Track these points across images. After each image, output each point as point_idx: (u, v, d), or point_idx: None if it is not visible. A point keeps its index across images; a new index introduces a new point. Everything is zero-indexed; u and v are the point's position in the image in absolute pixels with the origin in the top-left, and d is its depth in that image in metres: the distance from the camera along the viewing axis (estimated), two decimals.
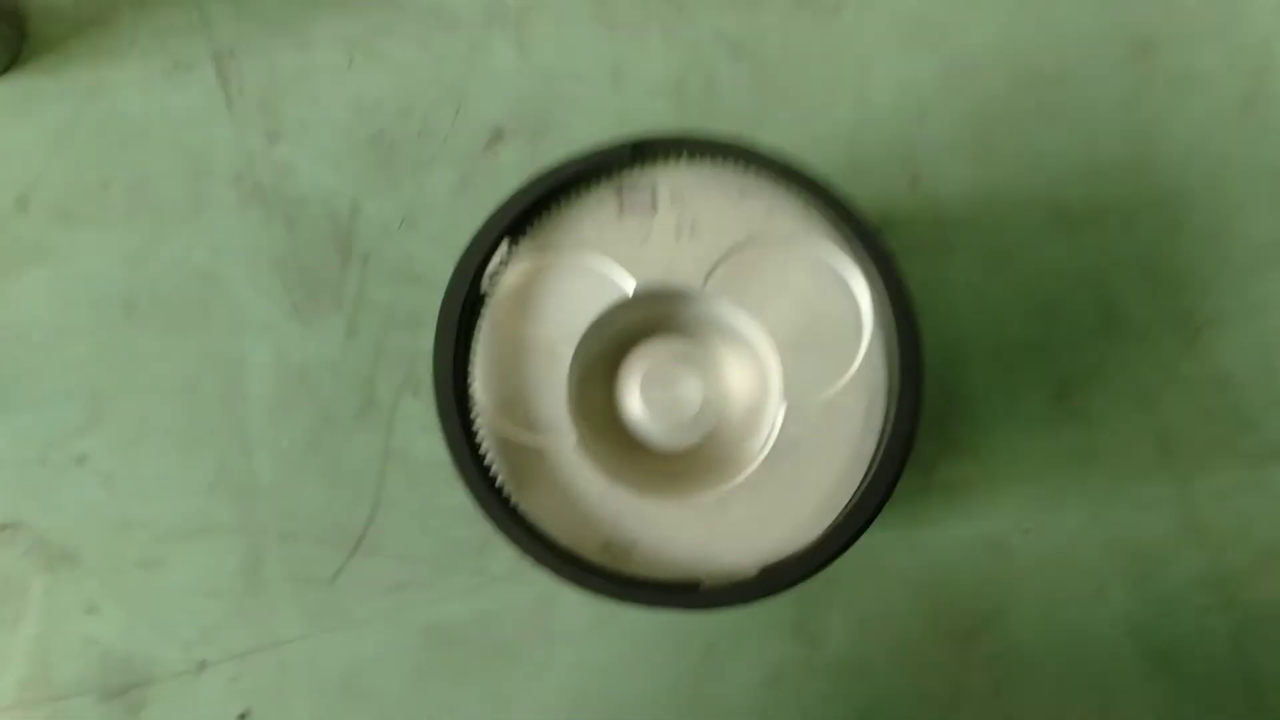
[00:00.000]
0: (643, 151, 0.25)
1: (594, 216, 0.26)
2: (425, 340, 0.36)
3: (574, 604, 0.36)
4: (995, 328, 0.38)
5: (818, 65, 0.39)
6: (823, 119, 0.39)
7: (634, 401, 0.27)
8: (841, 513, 0.25)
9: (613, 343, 0.27)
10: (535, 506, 0.25)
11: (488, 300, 0.25)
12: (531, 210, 0.25)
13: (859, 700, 0.36)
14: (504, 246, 0.25)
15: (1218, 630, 0.37)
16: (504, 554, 0.36)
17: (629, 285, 0.26)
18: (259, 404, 0.36)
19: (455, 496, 0.35)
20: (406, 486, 0.36)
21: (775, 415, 0.26)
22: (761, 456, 0.25)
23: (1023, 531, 0.37)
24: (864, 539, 0.36)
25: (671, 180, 0.26)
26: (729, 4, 0.39)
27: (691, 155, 0.26)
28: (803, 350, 0.26)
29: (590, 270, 0.26)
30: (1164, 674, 0.36)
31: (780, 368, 0.26)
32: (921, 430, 0.37)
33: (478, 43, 0.38)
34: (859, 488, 0.25)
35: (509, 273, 0.25)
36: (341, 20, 0.38)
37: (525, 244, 0.26)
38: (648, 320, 0.27)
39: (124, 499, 0.36)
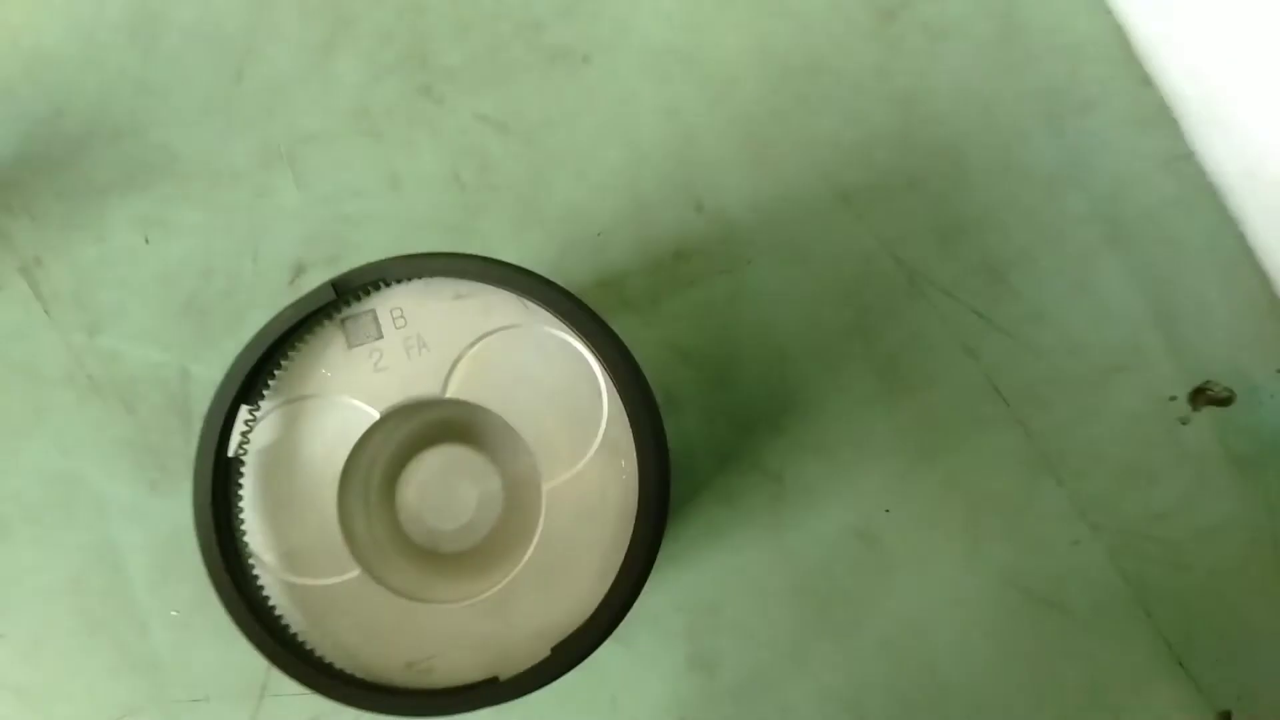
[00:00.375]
0: (344, 287, 0.26)
1: (325, 356, 0.27)
2: None
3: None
4: (810, 324, 0.39)
5: (582, 118, 0.40)
6: (599, 168, 0.40)
7: (412, 518, 0.28)
8: (618, 574, 0.26)
9: (384, 466, 0.28)
10: (333, 643, 0.26)
11: (244, 462, 0.27)
12: (260, 368, 0.26)
13: (768, 714, 0.37)
14: (243, 411, 0.26)
15: (1095, 559, 0.37)
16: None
17: (374, 412, 0.27)
18: (142, 582, 0.38)
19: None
20: None
21: (540, 497, 0.27)
22: (536, 539, 0.26)
23: (883, 511, 0.38)
24: (735, 561, 0.37)
25: (388, 303, 0.27)
26: (482, 84, 0.40)
27: (397, 279, 0.27)
28: (552, 429, 0.27)
29: (335, 406, 0.27)
30: (1055, 613, 0.37)
31: (535, 450, 0.27)
32: (767, 438, 0.38)
33: (260, 189, 0.40)
34: (629, 545, 0.26)
35: (258, 430, 0.27)
36: (129, 203, 0.40)
37: (268, 400, 0.27)
38: (411, 439, 0.28)
39: (40, 705, 0.38)
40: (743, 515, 0.38)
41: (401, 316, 0.27)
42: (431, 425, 0.28)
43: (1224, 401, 0.38)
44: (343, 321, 0.27)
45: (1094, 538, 0.37)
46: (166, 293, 0.39)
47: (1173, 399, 0.38)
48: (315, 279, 0.39)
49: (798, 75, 0.40)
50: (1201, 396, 0.38)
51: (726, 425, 0.38)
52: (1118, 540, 0.37)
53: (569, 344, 0.27)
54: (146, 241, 0.39)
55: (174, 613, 0.38)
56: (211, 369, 0.39)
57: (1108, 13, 0.39)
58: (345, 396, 0.27)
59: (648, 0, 0.40)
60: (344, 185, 0.40)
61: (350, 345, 0.27)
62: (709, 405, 0.38)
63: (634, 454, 0.26)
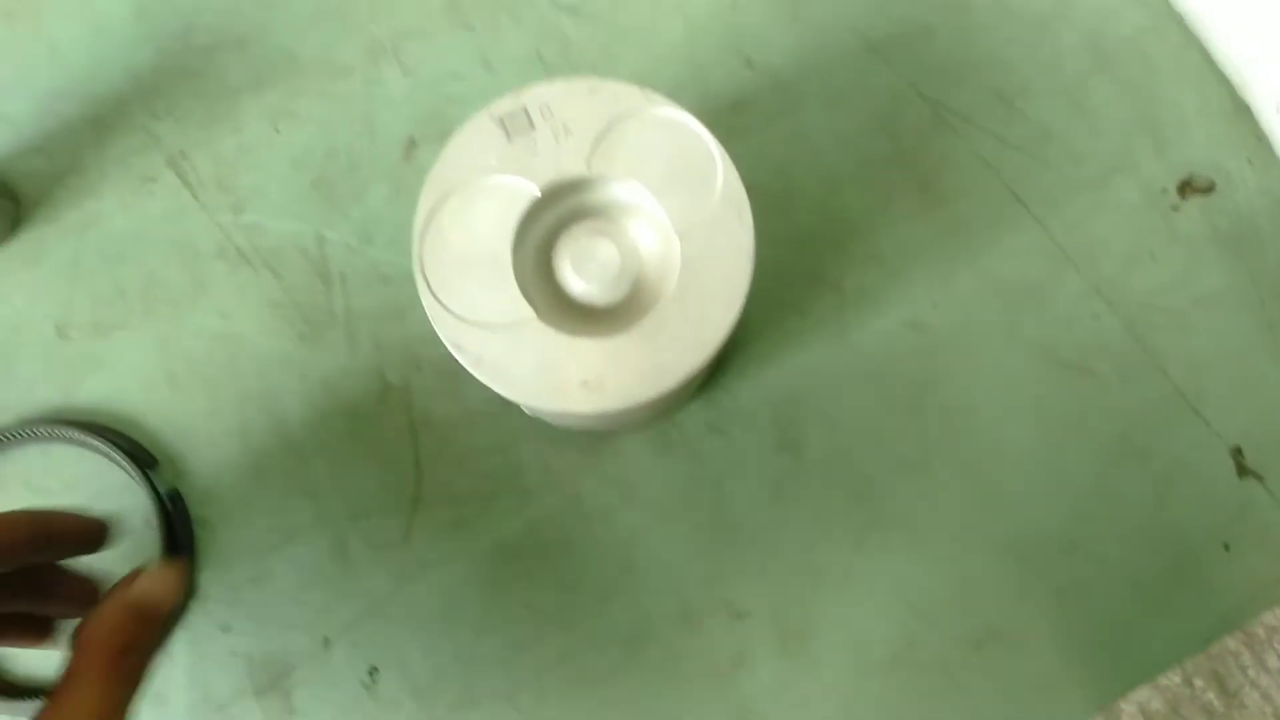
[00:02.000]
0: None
1: (490, 147, 0.33)
2: (411, 327, 0.43)
3: (597, 490, 0.42)
4: (854, 153, 0.44)
5: (641, 1, 0.46)
6: (659, 42, 0.45)
7: (569, 277, 0.33)
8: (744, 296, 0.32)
9: (540, 239, 0.34)
10: (516, 373, 0.32)
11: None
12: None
13: (851, 485, 0.42)
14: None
15: (1113, 329, 0.43)
16: (534, 470, 0.42)
17: (534, 190, 0.32)
18: (301, 423, 0.43)
19: (479, 439, 0.42)
20: (437, 445, 0.43)
21: (674, 244, 0.32)
22: (675, 277, 0.32)
23: (932, 306, 0.43)
24: (809, 359, 0.43)
25: (536, 100, 0.33)
26: None
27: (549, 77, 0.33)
28: (676, 189, 0.32)
29: (502, 188, 0.32)
30: (1085, 377, 0.43)
31: (664, 209, 0.32)
32: (827, 254, 0.44)
33: (370, 78, 0.45)
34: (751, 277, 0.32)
35: (445, 207, 0.32)
36: (259, 99, 0.45)
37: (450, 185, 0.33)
38: (562, 214, 0.34)
39: (222, 533, 0.42)
40: (812, 321, 0.43)
41: (548, 109, 0.33)
42: (580, 202, 0.34)
43: (1206, 190, 0.44)
44: (500, 119, 0.33)
45: (1111, 312, 0.43)
46: (297, 173, 0.44)
47: (1164, 191, 0.44)
48: (425, 150, 0.45)
49: None
50: (1188, 187, 0.44)
51: (790, 248, 0.44)
52: (1131, 312, 0.43)
53: (682, 121, 0.33)
54: (277, 130, 0.45)
55: (332, 444, 0.43)
56: (342, 233, 0.44)
57: None
58: (512, 179, 0.32)
59: None
60: (444, 70, 0.45)
61: (510, 138, 0.33)
62: (774, 232, 0.44)
63: (748, 205, 0.32)
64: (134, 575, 0.32)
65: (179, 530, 0.42)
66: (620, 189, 0.33)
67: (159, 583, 0.32)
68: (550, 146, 0.32)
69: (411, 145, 0.45)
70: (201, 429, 0.43)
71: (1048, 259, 0.44)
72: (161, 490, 0.42)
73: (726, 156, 0.32)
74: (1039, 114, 0.44)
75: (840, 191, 0.44)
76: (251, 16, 0.45)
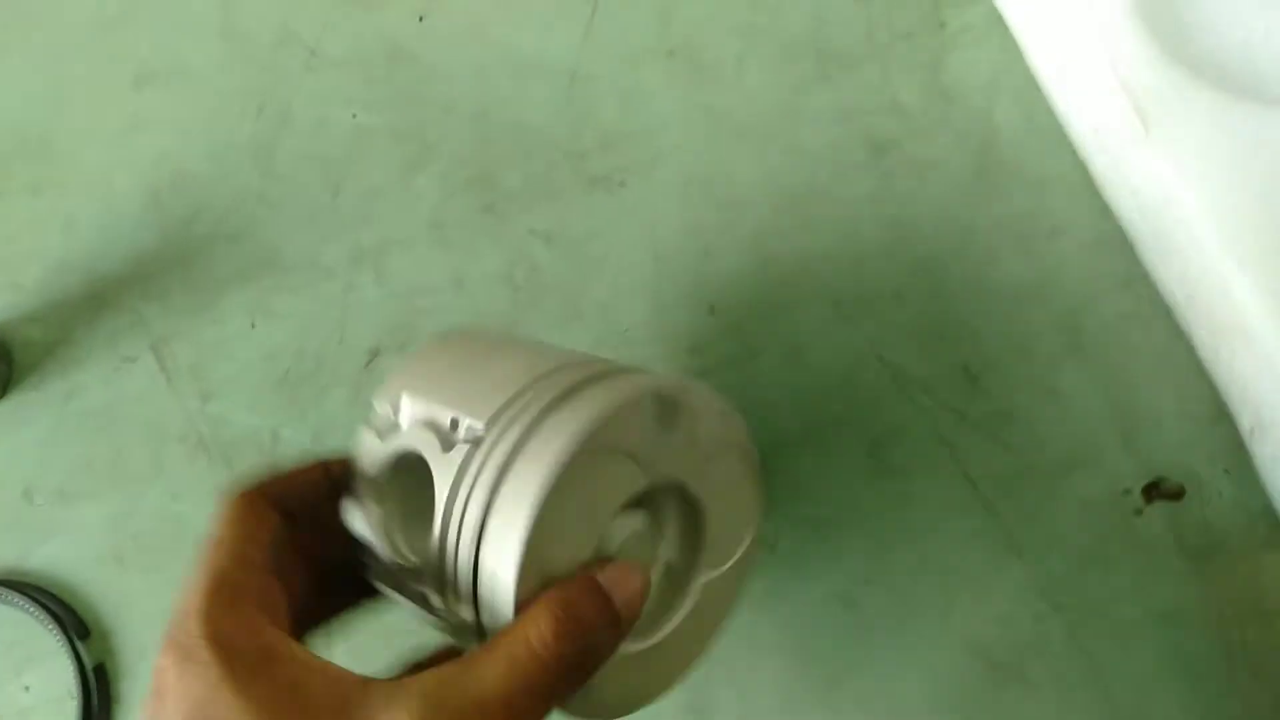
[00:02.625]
0: None
1: None
2: None
3: None
4: (806, 410, 0.43)
5: (615, 232, 0.46)
6: (629, 275, 0.46)
7: None
8: None
9: None
10: None
11: None
12: None
13: None
14: None
15: (1055, 634, 0.40)
16: None
17: None
18: None
19: None
20: None
21: None
22: None
23: (865, 581, 0.42)
24: (731, 618, 0.42)
25: None
26: (536, 202, 0.47)
27: None
28: None
29: None
30: (1017, 684, 0.40)
31: None
32: (766, 510, 0.42)
33: (349, 283, 0.47)
34: None
35: None
36: (242, 293, 0.47)
37: None
38: None
39: (138, 714, 0.44)
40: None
41: None
42: None
43: (1175, 496, 0.41)
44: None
45: (1055, 614, 0.41)
46: (267, 368, 0.46)
47: (1127, 492, 0.41)
48: (386, 360, 0.46)
49: (800, 200, 0.45)
50: (1154, 491, 0.41)
51: None
52: (1077, 618, 0.41)
53: None
54: (253, 325, 0.47)
55: None
56: (298, 432, 0.45)
57: (1071, 151, 0.44)
58: None
59: (676, 137, 0.47)
60: (417, 284, 0.46)
61: None
62: None
63: None
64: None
65: (97, 705, 0.43)
66: None
67: (635, 585, 0.27)
68: None
69: (374, 354, 0.46)
70: (137, 607, 0.44)
71: (993, 548, 0.41)
72: (88, 663, 0.44)
73: None
74: (1004, 393, 0.43)
75: (787, 448, 0.43)
76: (250, 212, 0.48)
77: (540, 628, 0.25)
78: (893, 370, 0.43)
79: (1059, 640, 0.40)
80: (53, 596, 0.45)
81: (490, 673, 0.24)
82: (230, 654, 0.24)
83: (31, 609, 0.44)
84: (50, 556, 0.45)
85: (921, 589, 0.41)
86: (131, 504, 0.45)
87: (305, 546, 0.30)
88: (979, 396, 0.43)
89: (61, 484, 0.46)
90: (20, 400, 0.47)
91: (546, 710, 0.25)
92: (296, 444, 0.45)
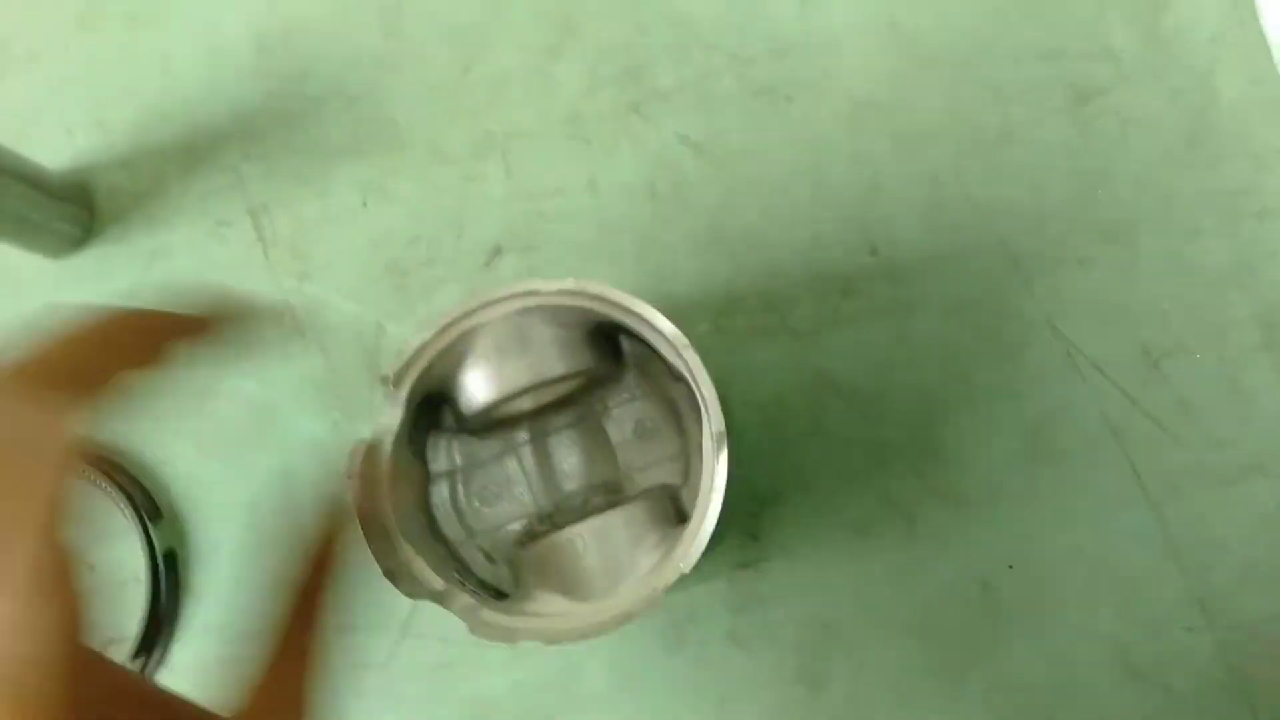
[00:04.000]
0: None
1: None
2: None
3: (596, 670, 0.39)
4: (963, 377, 0.40)
5: (775, 152, 0.42)
6: (784, 201, 0.41)
7: None
8: None
9: None
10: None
11: None
12: None
13: None
14: None
15: (1203, 649, 0.38)
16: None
17: None
18: (310, 511, 0.41)
19: None
20: None
21: None
22: None
23: (1008, 567, 0.39)
24: (857, 589, 0.38)
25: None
26: (690, 107, 0.42)
27: None
28: None
29: None
30: (1158, 693, 0.37)
31: None
32: (907, 479, 0.39)
33: (471, 174, 0.42)
34: None
35: None
36: (354, 167, 0.43)
37: None
38: None
39: (208, 607, 0.41)
40: (872, 547, 0.39)
41: None
42: None
43: None
44: None
45: (1207, 628, 0.38)
46: (374, 254, 0.42)
47: None
48: (509, 261, 0.42)
49: (987, 144, 0.41)
50: None
51: (866, 459, 0.40)
52: (1230, 635, 0.37)
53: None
54: (364, 204, 0.42)
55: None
56: (403, 328, 0.41)
57: None
58: None
59: (855, 53, 0.42)
60: (548, 182, 0.42)
61: None
62: (853, 438, 0.40)
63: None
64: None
65: (166, 593, 0.40)
66: None
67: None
68: None
69: (496, 253, 0.42)
70: (214, 494, 0.41)
71: (1152, 551, 0.38)
72: (159, 547, 0.40)
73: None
74: (1185, 383, 0.39)
75: (938, 413, 0.40)
76: (369, 77, 0.43)
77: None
78: (1066, 343, 0.39)
79: (1208, 656, 0.37)
80: (124, 472, 0.41)
81: None
82: None
83: (101, 483, 0.40)
84: (123, 430, 0.42)
85: (1068, 582, 0.38)
86: (213, 383, 0.42)
87: None
88: (1157, 383, 0.39)
89: None
90: (102, 253, 0.43)
91: None
92: (402, 339, 0.41)
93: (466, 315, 0.32)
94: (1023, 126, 0.41)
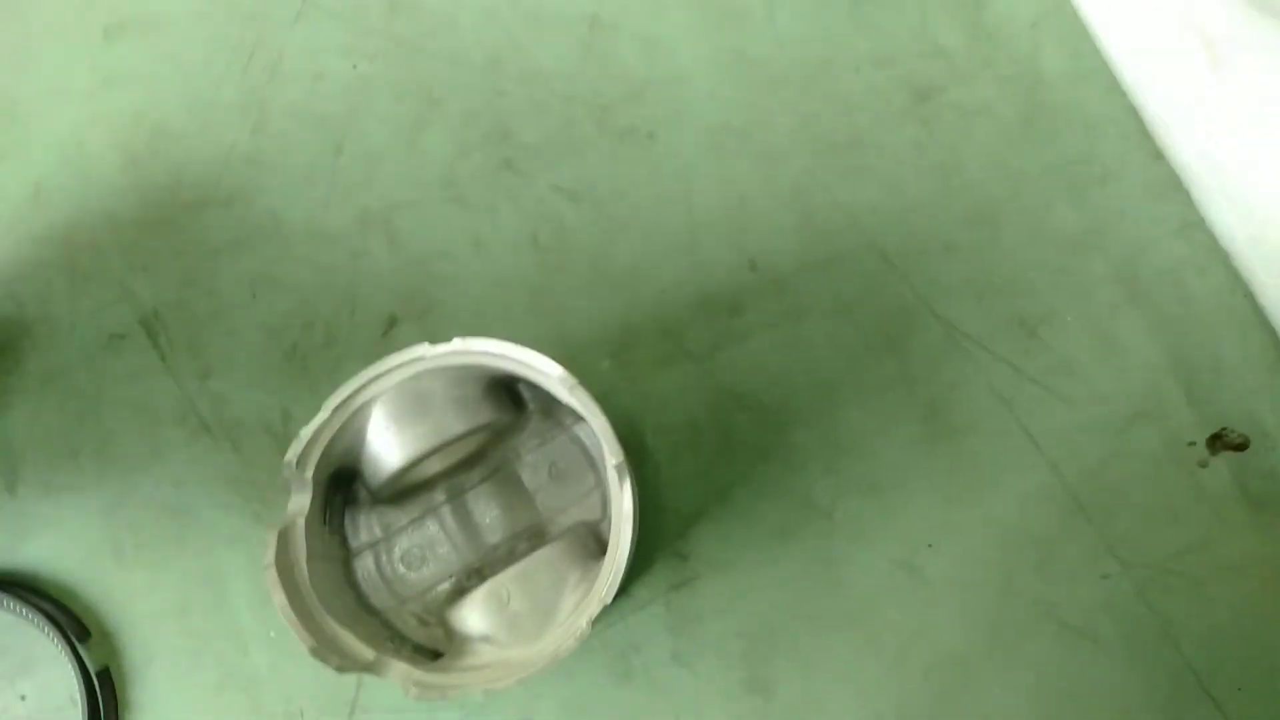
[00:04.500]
0: None
1: None
2: None
3: (550, 711, 0.39)
4: (857, 374, 0.41)
5: (645, 188, 0.43)
6: (662, 232, 0.43)
7: None
8: None
9: None
10: None
11: None
12: None
13: None
14: None
15: (1124, 592, 0.39)
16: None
17: None
18: (244, 606, 0.41)
19: None
20: None
21: None
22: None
23: (927, 546, 0.40)
24: (789, 591, 0.39)
25: None
26: (559, 158, 0.44)
27: None
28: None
29: None
30: (1087, 643, 0.39)
31: None
32: (819, 477, 0.40)
33: (356, 250, 0.43)
34: None
35: None
36: (239, 262, 0.43)
37: None
38: None
39: (150, 718, 0.40)
40: (796, 548, 0.40)
41: None
42: None
43: (1240, 447, 0.40)
44: None
45: (1123, 573, 0.39)
46: (271, 342, 0.42)
47: (1191, 444, 0.40)
48: (406, 329, 0.42)
49: (841, 150, 0.43)
50: (1218, 442, 0.40)
51: (779, 465, 0.41)
52: (1145, 575, 0.39)
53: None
54: (254, 295, 0.43)
55: (272, 634, 0.40)
56: (309, 410, 0.41)
57: (1122, 94, 0.43)
58: None
59: (705, 85, 0.44)
60: (433, 247, 0.43)
61: None
62: (764, 446, 0.41)
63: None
64: None
65: (104, 712, 0.40)
66: None
67: None
68: None
69: (392, 323, 0.42)
70: (140, 604, 0.41)
71: (1058, 507, 0.40)
72: (91, 667, 0.40)
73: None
74: (1062, 346, 0.41)
75: (839, 410, 0.41)
76: (241, 174, 0.44)
77: None
78: (946, 325, 0.41)
79: (1128, 598, 0.39)
80: (46, 596, 0.40)
81: None
82: None
83: (24, 610, 0.39)
84: (40, 553, 0.41)
85: (986, 551, 0.40)
86: (126, 494, 0.41)
87: None
88: (1037, 350, 0.41)
89: (46, 475, 0.42)
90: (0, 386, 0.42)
91: None
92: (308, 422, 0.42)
93: (358, 391, 0.33)
94: (871, 131, 0.43)
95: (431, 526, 0.37)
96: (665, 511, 0.41)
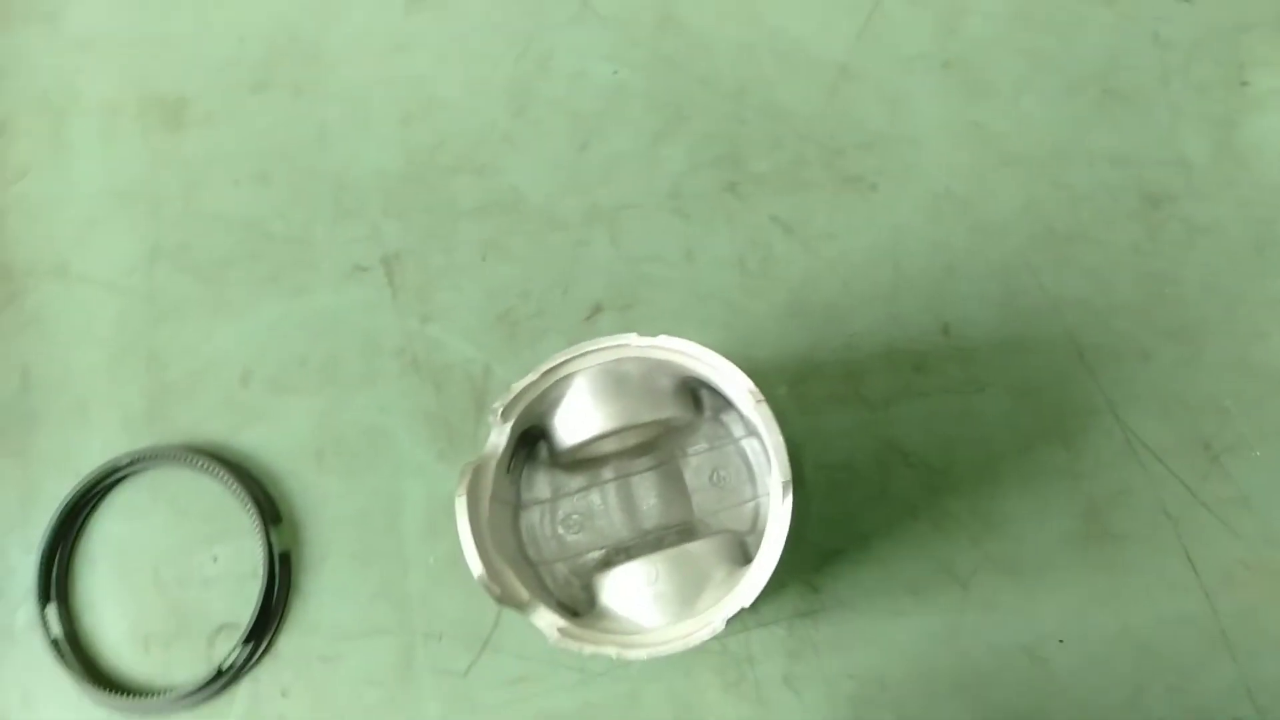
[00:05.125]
0: None
1: None
2: None
3: (658, 697, 0.42)
4: (1024, 456, 0.42)
5: (858, 235, 0.45)
6: (864, 280, 0.45)
7: None
8: None
9: None
10: None
11: None
12: None
13: None
14: None
15: None
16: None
17: None
18: (413, 530, 0.45)
19: None
20: None
21: None
22: None
23: (1058, 641, 0.40)
24: (909, 648, 0.40)
25: None
26: (782, 190, 0.46)
27: None
28: None
29: None
30: None
31: None
32: (963, 546, 0.41)
33: (580, 238, 0.47)
34: None
35: None
36: (477, 226, 0.48)
37: None
38: None
39: (313, 606, 0.45)
40: (925, 608, 0.41)
41: None
42: None
43: None
44: None
45: (1259, 719, 0.38)
46: (489, 303, 0.47)
47: None
48: (608, 318, 0.46)
49: (1059, 239, 0.44)
50: None
51: (927, 526, 0.42)
52: None
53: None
54: (483, 259, 0.47)
55: (431, 560, 0.44)
56: (510, 370, 0.46)
57: None
58: None
59: (938, 149, 0.45)
60: (648, 250, 0.46)
61: None
62: (916, 504, 0.42)
63: None
64: None
65: (278, 589, 0.45)
66: None
67: None
68: None
69: (596, 309, 0.46)
70: (329, 506, 0.45)
71: (1203, 638, 0.39)
72: (276, 547, 0.45)
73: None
74: (1244, 478, 0.40)
75: (999, 488, 0.42)
76: (496, 150, 0.48)
77: None
78: (1127, 431, 0.41)
79: None
80: (253, 479, 0.46)
81: None
82: None
83: (234, 486, 0.45)
84: (256, 441, 0.47)
85: (1118, 662, 0.39)
86: (339, 406, 0.47)
87: None
88: (1217, 477, 0.40)
89: (276, 375, 0.47)
90: (255, 292, 0.48)
91: None
92: (506, 382, 0.45)
93: (568, 361, 0.36)
94: (1094, 226, 0.43)
95: (595, 498, 0.40)
96: (807, 543, 0.42)
